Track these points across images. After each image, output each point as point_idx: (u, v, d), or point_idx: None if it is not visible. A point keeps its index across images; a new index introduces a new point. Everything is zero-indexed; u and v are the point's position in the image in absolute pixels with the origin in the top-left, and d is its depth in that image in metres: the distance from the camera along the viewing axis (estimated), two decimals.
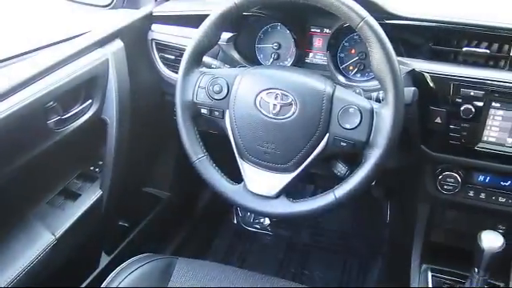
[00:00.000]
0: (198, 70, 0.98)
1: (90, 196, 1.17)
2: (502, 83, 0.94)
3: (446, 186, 1.07)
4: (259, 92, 0.92)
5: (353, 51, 1.14)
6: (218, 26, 0.95)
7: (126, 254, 1.09)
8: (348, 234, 1.92)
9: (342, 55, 1.15)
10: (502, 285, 1.14)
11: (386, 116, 0.85)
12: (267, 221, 1.98)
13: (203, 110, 0.98)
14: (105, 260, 1.35)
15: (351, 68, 1.15)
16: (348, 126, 0.87)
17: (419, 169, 1.12)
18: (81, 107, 1.08)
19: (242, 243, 1.89)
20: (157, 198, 1.59)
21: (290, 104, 0.90)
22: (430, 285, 1.16)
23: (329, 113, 0.88)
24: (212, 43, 0.98)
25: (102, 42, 1.12)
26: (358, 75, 1.14)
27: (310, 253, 1.84)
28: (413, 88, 0.94)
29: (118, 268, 1.03)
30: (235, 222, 1.99)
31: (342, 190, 0.89)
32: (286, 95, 0.90)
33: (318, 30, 1.17)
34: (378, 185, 1.55)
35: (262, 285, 1.02)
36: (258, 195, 0.95)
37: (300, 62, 1.19)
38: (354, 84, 1.08)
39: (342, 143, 0.88)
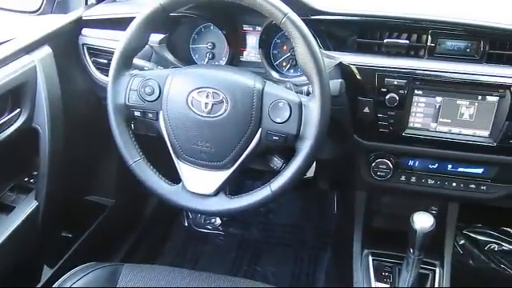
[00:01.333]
0: (129, 73, 0.98)
1: (25, 208, 1.12)
2: (422, 71, 1.00)
3: (379, 173, 1.11)
4: (190, 91, 0.92)
5: (285, 48, 1.17)
6: (144, 28, 0.94)
7: (71, 265, 1.06)
8: (298, 227, 1.96)
9: (275, 52, 1.18)
10: (437, 262, 1.20)
11: (313, 108, 0.87)
12: (218, 220, 1.99)
13: (136, 113, 0.97)
14: (47, 273, 1.31)
15: (284, 64, 1.18)
16: (279, 120, 0.89)
17: (354, 158, 1.16)
18: (9, 116, 1.04)
19: (194, 245, 1.88)
20: (101, 205, 1.56)
21: (222, 102, 0.91)
22: (371, 269, 1.21)
23: (260, 108, 0.90)
24: (140, 45, 0.97)
25: (29, 49, 1.09)
26: (291, 71, 1.17)
27: (261, 249, 1.86)
28: (339, 80, 0.98)
29: (60, 279, 1.00)
30: (186, 224, 1.98)
31: (277, 183, 0.91)
32: (217, 93, 0.91)
33: (251, 28, 1.19)
34: (322, 177, 1.59)
35: (208, 284, 1.03)
36: (196, 194, 0.96)
37: (235, 61, 1.20)
38: (288, 79, 1.10)
39: (274, 137, 0.90)
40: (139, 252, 1.71)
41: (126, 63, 0.97)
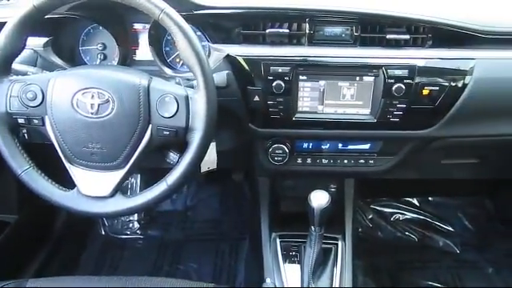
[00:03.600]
0: (8, 79, 0.93)
1: None
2: (303, 57, 1.06)
3: (276, 158, 1.16)
4: (75, 93, 0.90)
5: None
6: (19, 32, 0.91)
7: None
8: (218, 221, 1.99)
9: (167, 49, 1.19)
10: (339, 236, 1.28)
11: (199, 100, 0.89)
12: (136, 225, 1.96)
13: (20, 120, 0.93)
14: None
15: (178, 60, 1.19)
16: (167, 115, 0.90)
17: (252, 146, 1.20)
18: None
19: (112, 252, 1.84)
20: (3, 223, 1.47)
21: (108, 101, 0.90)
22: (279, 250, 1.26)
23: (147, 104, 0.90)
24: (17, 49, 0.93)
25: None
26: (185, 66, 1.18)
27: (182, 247, 1.86)
28: (226, 71, 1.01)
29: None
30: (103, 232, 1.93)
31: (172, 177, 0.92)
32: (102, 93, 0.90)
33: (141, 27, 1.18)
34: (227, 167, 1.62)
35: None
36: (92, 197, 0.94)
37: (129, 60, 1.19)
38: (182, 75, 1.11)
39: (165, 132, 0.91)
40: (52, 266, 1.65)
41: (4, 69, 0.93)
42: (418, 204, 2.02)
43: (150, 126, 0.91)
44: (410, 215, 1.98)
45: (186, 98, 0.90)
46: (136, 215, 1.96)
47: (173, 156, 0.98)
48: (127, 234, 1.93)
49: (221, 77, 0.99)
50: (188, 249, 1.86)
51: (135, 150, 0.92)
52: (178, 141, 0.93)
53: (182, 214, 2.00)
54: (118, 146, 0.92)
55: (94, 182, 0.94)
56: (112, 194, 0.94)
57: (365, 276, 1.68)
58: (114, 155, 0.92)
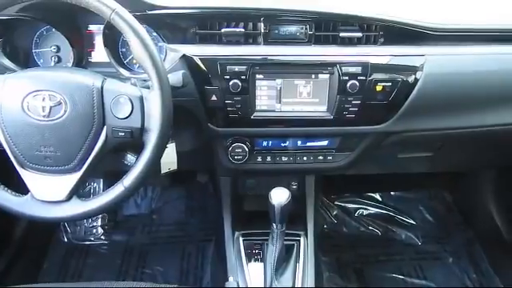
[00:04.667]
0: None
1: None
2: (259, 57, 1.07)
3: (236, 157, 1.16)
4: (25, 96, 0.88)
5: None
6: None
7: None
8: (184, 223, 1.98)
9: (124, 50, 1.17)
10: (301, 233, 1.30)
11: (154, 100, 0.89)
12: (100, 230, 1.93)
13: None
14: None
15: (135, 61, 1.17)
16: (121, 116, 0.89)
17: (212, 145, 1.20)
18: None
19: (76, 259, 1.80)
20: None
21: (60, 103, 0.88)
22: (242, 249, 1.26)
23: (101, 106, 0.89)
24: None
25: None
26: None
27: (148, 251, 1.84)
28: (181, 71, 1.00)
29: None
30: (65, 239, 1.89)
31: (129, 179, 0.91)
32: (54, 95, 0.88)
33: (96, 28, 1.16)
34: (190, 168, 1.61)
35: None
36: (47, 202, 0.92)
37: (84, 62, 1.17)
38: (139, 76, 1.10)
39: (120, 133, 0.90)
40: (13, 275, 1.60)
41: None
42: (380, 199, 2.07)
43: (105, 127, 0.90)
44: (373, 210, 2.03)
45: (141, 99, 0.90)
46: (100, 220, 1.93)
47: (130, 157, 0.98)
48: (91, 240, 1.90)
49: (176, 77, 0.99)
50: (154, 252, 1.84)
51: (90, 153, 0.91)
52: (134, 142, 0.92)
53: (148, 218, 1.98)
54: (72, 149, 0.90)
55: (49, 187, 0.92)
56: (68, 198, 0.92)
57: (330, 271, 1.71)
58: (69, 158, 0.90)
